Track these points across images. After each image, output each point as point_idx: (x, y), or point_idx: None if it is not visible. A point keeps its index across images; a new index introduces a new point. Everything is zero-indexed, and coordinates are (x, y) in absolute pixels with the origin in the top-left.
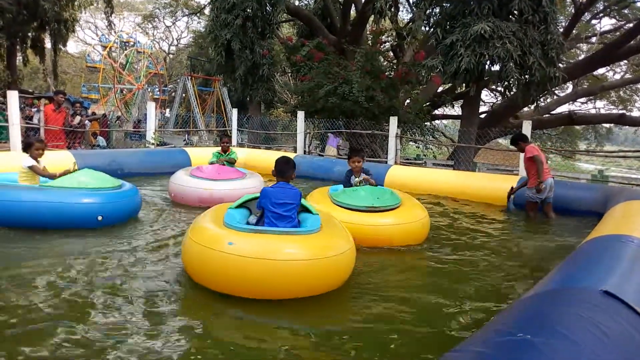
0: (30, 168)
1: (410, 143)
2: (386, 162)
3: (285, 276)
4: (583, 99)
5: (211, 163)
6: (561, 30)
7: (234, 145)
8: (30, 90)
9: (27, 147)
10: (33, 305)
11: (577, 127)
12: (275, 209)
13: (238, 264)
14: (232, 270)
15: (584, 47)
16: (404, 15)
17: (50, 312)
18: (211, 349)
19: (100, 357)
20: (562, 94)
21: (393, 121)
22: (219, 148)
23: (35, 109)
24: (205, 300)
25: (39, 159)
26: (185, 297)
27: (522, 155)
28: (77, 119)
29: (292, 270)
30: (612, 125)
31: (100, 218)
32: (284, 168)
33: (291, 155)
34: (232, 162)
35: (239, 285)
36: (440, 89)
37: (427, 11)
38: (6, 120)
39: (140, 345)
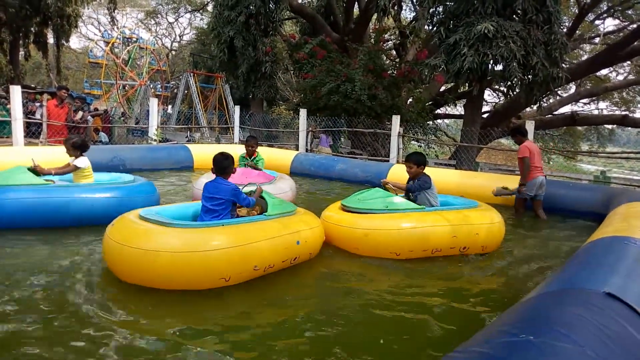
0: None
1: (413, 142)
2: (388, 161)
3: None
4: (586, 100)
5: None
6: (565, 30)
7: (249, 145)
8: (32, 86)
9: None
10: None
11: (580, 127)
12: (205, 203)
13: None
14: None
15: (587, 47)
16: (407, 13)
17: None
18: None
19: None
20: (564, 95)
21: (395, 120)
22: (244, 151)
23: (38, 104)
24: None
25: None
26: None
27: None
28: (80, 114)
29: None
30: (614, 126)
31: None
32: (223, 163)
33: (293, 153)
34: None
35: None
36: (443, 88)
37: (431, 10)
38: (9, 115)
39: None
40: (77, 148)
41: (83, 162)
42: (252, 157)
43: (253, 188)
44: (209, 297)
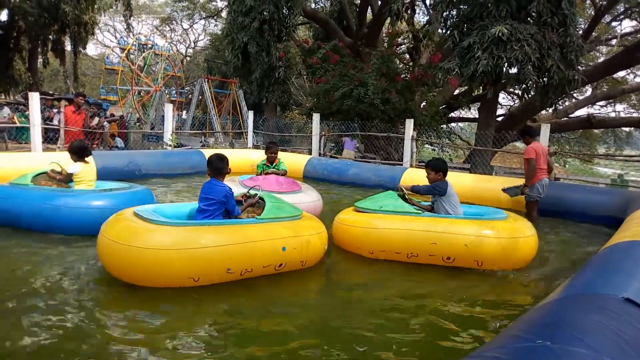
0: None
1: (426, 146)
2: (402, 165)
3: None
4: (602, 102)
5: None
6: (580, 32)
7: (275, 152)
8: (51, 92)
9: (80, 152)
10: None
11: (596, 130)
12: (199, 202)
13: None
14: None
15: (604, 49)
16: (421, 17)
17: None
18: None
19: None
20: (581, 97)
21: (409, 123)
22: (263, 157)
23: (56, 110)
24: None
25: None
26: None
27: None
28: (96, 120)
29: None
30: (632, 129)
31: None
32: (218, 165)
33: (306, 157)
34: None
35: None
36: (456, 92)
37: (444, 13)
38: (28, 122)
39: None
40: (74, 153)
41: (74, 168)
42: (274, 164)
43: (257, 192)
44: (207, 296)
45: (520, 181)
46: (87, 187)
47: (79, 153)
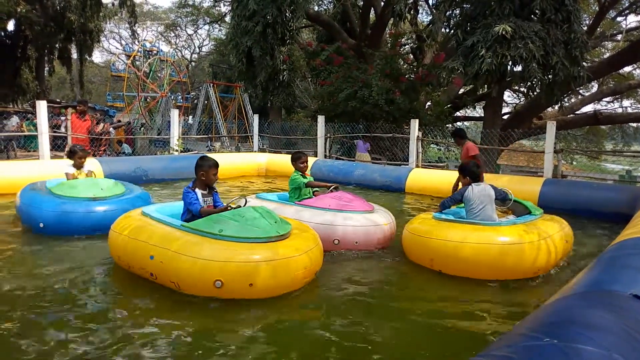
0: (66, 175)
1: (432, 145)
2: (407, 165)
3: None
4: (609, 98)
5: (296, 188)
6: (585, 28)
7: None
8: (58, 100)
9: (71, 155)
10: None
11: (603, 127)
12: None
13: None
14: None
15: (609, 45)
16: (424, 17)
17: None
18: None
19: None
20: (586, 94)
21: (414, 124)
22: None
23: (63, 118)
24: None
25: (81, 167)
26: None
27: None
28: (101, 126)
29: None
30: (639, 124)
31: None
32: (196, 164)
33: (312, 159)
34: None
35: None
36: (461, 91)
37: (447, 13)
38: (36, 130)
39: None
40: (68, 157)
41: (67, 169)
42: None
43: (241, 203)
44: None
45: (528, 180)
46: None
47: (69, 156)
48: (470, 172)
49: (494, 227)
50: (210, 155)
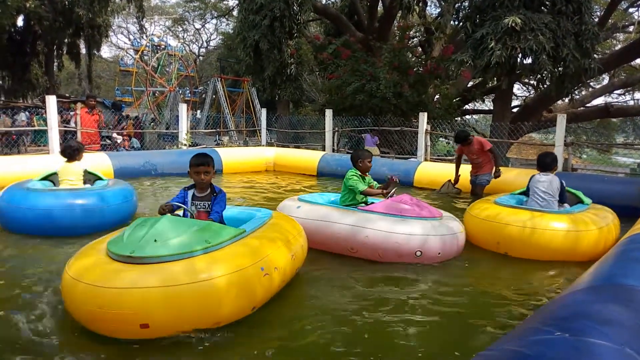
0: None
1: (441, 139)
2: (416, 159)
3: None
4: (620, 90)
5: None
6: (596, 20)
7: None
8: (67, 95)
9: (78, 152)
10: None
11: (614, 119)
12: None
13: None
14: None
15: (621, 36)
16: (432, 9)
17: None
18: None
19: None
20: (597, 86)
21: (422, 117)
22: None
23: (73, 113)
24: None
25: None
26: None
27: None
28: (123, 123)
29: None
30: None
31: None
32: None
33: (320, 153)
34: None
35: None
36: (470, 84)
37: (456, 5)
38: (46, 124)
39: None
40: (69, 157)
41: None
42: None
43: (180, 212)
44: None
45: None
46: (68, 186)
47: (61, 153)
48: (540, 162)
49: (558, 215)
50: (217, 149)
